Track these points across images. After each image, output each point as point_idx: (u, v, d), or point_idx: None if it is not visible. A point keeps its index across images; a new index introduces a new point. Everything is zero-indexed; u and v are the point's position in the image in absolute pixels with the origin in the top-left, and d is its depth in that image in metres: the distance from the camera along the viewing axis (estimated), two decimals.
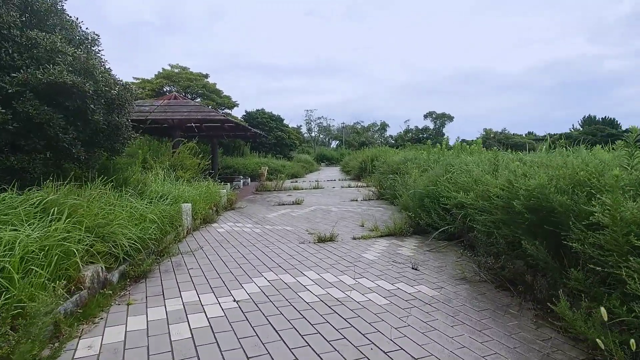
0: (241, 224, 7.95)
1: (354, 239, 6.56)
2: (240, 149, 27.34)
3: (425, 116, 77.61)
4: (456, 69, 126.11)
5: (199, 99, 24.05)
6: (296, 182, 21.45)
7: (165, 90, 22.67)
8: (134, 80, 23.04)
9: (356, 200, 12.08)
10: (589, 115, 68.48)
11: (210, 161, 21.92)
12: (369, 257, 5.43)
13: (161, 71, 23.52)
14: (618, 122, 61.32)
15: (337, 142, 73.18)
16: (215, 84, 24.81)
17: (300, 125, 69.03)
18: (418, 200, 7.08)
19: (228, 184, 14.99)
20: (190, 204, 6.81)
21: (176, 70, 23.58)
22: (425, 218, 6.57)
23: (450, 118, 76.19)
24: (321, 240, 6.34)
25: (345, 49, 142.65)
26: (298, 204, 11.28)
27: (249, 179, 20.07)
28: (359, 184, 18.36)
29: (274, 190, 16.02)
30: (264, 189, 15.90)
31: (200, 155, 11.14)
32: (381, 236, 6.75)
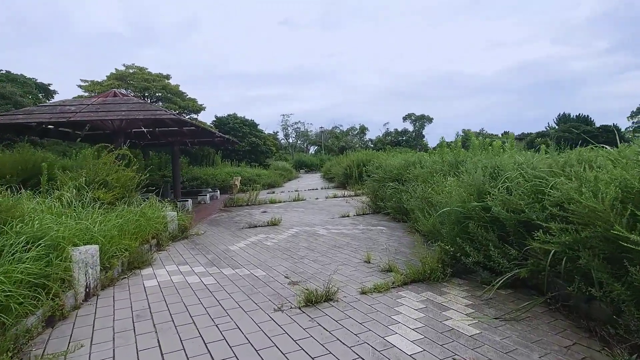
0: (188, 267, 5.32)
1: (364, 293, 4.06)
2: (209, 157, 24.52)
3: (405, 118, 76.41)
4: (430, 73, 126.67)
5: (160, 103, 21.17)
6: (273, 192, 18.85)
7: None
8: (81, 83, 19.97)
9: (348, 216, 9.61)
10: (564, 113, 68.87)
11: (163, 173, 19.31)
12: (404, 346, 2.94)
13: (114, 72, 20.53)
14: (592, 119, 61.68)
15: (316, 147, 70.85)
16: (178, 85, 22.03)
17: (277, 132, 66.34)
18: (454, 224, 4.67)
19: (189, 200, 12.25)
20: (95, 247, 4.16)
21: (131, 71, 20.63)
22: (474, 253, 4.15)
23: (430, 120, 75.28)
24: (311, 301, 3.81)
25: (321, 56, 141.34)
26: (274, 224, 8.72)
27: (218, 192, 17.33)
28: (346, 193, 15.94)
29: (247, 204, 13.39)
30: (235, 204, 13.24)
31: (155, 165, 8.46)
32: (404, 283, 4.29)
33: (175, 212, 7.56)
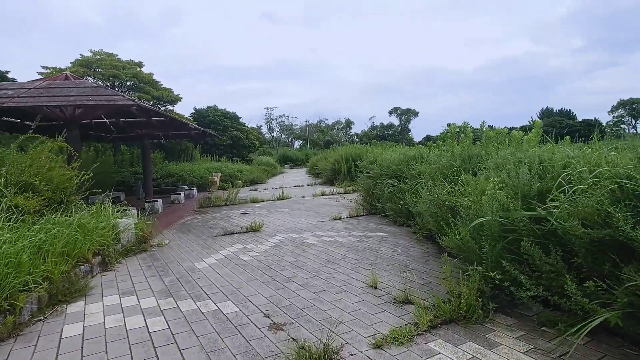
0: (134, 299, 3.97)
1: (379, 347, 2.80)
2: (187, 152, 22.90)
3: (390, 112, 75.63)
4: (413, 70, 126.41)
5: (131, 93, 19.43)
6: (256, 189, 17.47)
7: None
8: (42, 70, 18.07)
9: (340, 219, 8.36)
10: (547, 107, 69.17)
11: (134, 170, 17.51)
12: None
13: (79, 58, 18.68)
14: (574, 114, 62.10)
15: (301, 141, 69.39)
16: (151, 74, 20.27)
17: (261, 126, 64.61)
18: (495, 240, 3.44)
19: (158, 200, 10.79)
20: None
21: (98, 57, 18.80)
22: (530, 284, 2.94)
23: (415, 113, 74.66)
24: None
25: (305, 51, 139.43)
26: (255, 230, 7.40)
27: (195, 190, 15.85)
28: (335, 190, 14.69)
29: (225, 204, 11.99)
30: (212, 204, 11.83)
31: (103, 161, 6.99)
32: (433, 326, 3.05)
33: (132, 219, 6.15)
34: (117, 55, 19.65)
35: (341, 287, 4.03)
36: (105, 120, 11.58)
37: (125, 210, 6.54)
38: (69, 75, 9.12)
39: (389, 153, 10.27)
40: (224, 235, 7.13)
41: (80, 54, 18.99)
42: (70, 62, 18.60)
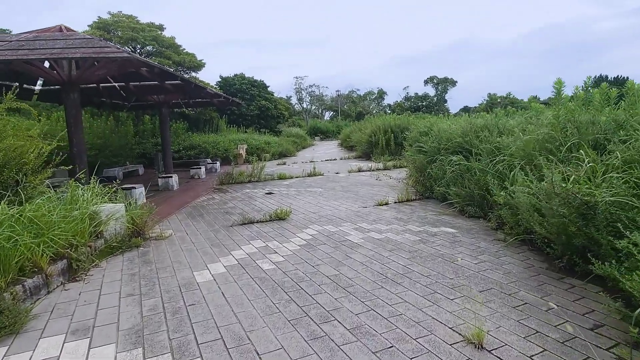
0: (80, 349, 2.50)
1: None
2: (212, 123, 21.59)
3: (426, 82, 71.51)
4: (448, 39, 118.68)
5: (151, 58, 18.03)
6: (284, 163, 15.97)
7: None
8: None
9: (387, 204, 6.66)
10: (600, 75, 62.96)
11: (156, 141, 16.00)
12: None
13: (96, 20, 17.35)
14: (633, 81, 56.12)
15: (332, 113, 67.11)
16: (173, 37, 18.74)
17: (290, 96, 62.64)
18: None
19: (172, 177, 9.44)
20: None
21: (116, 20, 17.39)
22: None
23: (453, 83, 70.24)
24: None
25: (336, 20, 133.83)
26: (281, 218, 5.84)
27: (218, 164, 14.51)
28: (372, 165, 12.90)
29: (249, 181, 10.54)
30: (233, 180, 10.40)
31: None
32: None
33: (121, 205, 4.70)
34: (136, 17, 18.19)
35: (419, 344, 2.39)
36: (114, 84, 10.21)
37: (116, 190, 5.09)
38: (63, 27, 7.67)
39: (446, 123, 8.30)
40: (242, 224, 5.62)
41: (98, 17, 17.67)
42: (88, 26, 17.33)
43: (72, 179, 4.38)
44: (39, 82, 9.83)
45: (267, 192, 8.59)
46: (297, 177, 11.10)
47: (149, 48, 17.40)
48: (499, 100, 67.07)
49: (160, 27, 18.83)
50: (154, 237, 4.99)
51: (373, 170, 12.10)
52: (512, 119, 6.69)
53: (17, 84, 9.25)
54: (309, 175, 11.33)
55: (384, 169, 12.29)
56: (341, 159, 17.08)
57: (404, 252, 4.09)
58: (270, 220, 5.77)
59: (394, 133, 15.89)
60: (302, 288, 3.26)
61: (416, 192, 7.31)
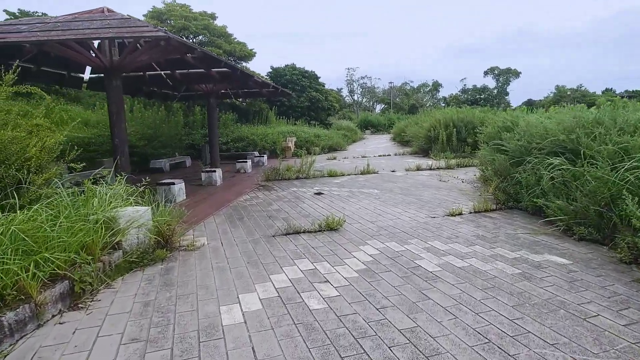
0: None
1: None
2: (262, 114, 21.10)
3: (486, 73, 67.05)
4: (509, 28, 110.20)
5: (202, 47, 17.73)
6: (335, 158, 15.00)
7: None
8: None
9: (461, 215, 5.45)
10: None
11: (205, 132, 15.42)
12: None
13: (151, 10, 17.37)
14: None
15: (383, 106, 65.01)
16: (224, 26, 18.37)
17: (341, 88, 61.43)
18: None
19: (216, 171, 8.82)
20: None
21: (170, 8, 17.28)
22: None
23: (517, 74, 65.22)
24: None
25: (392, 12, 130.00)
26: (333, 228, 4.87)
27: (265, 157, 13.85)
28: (432, 163, 11.53)
29: (296, 177, 9.70)
30: (280, 176, 9.62)
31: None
32: None
33: (146, 208, 3.97)
34: (189, 6, 17.99)
35: None
36: (160, 72, 9.76)
37: (143, 188, 4.38)
38: (106, 9, 7.18)
39: (535, 117, 6.83)
40: (287, 234, 4.72)
41: (153, 6, 17.68)
42: (143, 15, 17.39)
43: (89, 177, 3.70)
44: (88, 69, 9.60)
45: (316, 192, 7.66)
46: (348, 175, 10.09)
47: (201, 37, 17.10)
48: (568, 92, 61.34)
49: (212, 16, 18.51)
50: (184, 246, 4.24)
51: (434, 169, 10.78)
52: (634, 114, 5.18)
53: (66, 72, 9.05)
54: (362, 172, 10.27)
55: (446, 168, 10.91)
56: (395, 155, 15.80)
57: (504, 293, 2.95)
58: (319, 231, 4.83)
59: (456, 128, 14.33)
60: (365, 351, 2.27)
61: (495, 200, 6.01)
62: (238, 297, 3.00)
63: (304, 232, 4.79)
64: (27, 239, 2.58)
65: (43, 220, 2.82)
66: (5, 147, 2.95)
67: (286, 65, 26.20)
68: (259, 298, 2.98)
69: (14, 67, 3.21)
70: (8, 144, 2.99)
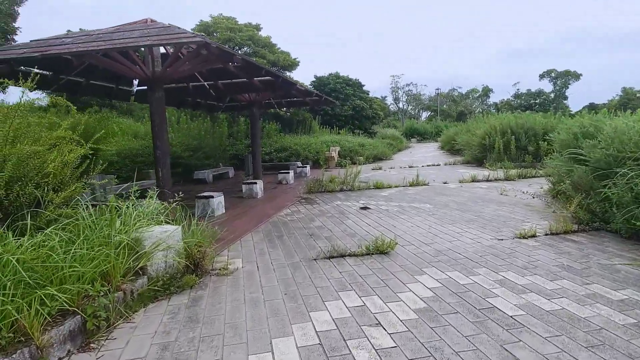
0: None
1: None
2: (305, 123, 20.87)
3: (542, 76, 63.15)
4: (565, 28, 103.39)
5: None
6: (380, 168, 14.30)
7: None
8: None
9: (534, 236, 4.61)
10: None
11: (249, 143, 15.06)
12: None
13: (198, 23, 17.78)
14: None
15: (429, 113, 63.05)
16: (269, 37, 18.40)
17: (385, 96, 60.45)
18: None
19: (256, 183, 8.49)
20: None
21: (216, 21, 17.59)
22: None
23: (577, 76, 60.80)
24: None
25: (438, 18, 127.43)
26: (382, 251, 4.24)
27: (308, 167, 13.45)
28: (489, 173, 10.50)
29: (340, 189, 9.16)
30: (323, 188, 9.12)
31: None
32: None
33: (175, 227, 3.59)
34: (235, 18, 18.24)
35: None
36: (203, 83, 9.68)
37: (176, 204, 4.03)
38: (149, 20, 7.12)
39: (624, 120, 5.81)
40: (330, 258, 4.17)
41: (200, 20, 18.10)
42: (191, 29, 17.83)
43: (113, 194, 3.38)
44: (135, 82, 9.73)
45: (362, 206, 7.07)
46: (396, 187, 9.39)
47: (246, 49, 17.20)
48: (638, 95, 56.13)
49: (257, 27, 18.63)
50: (217, 270, 3.82)
51: (491, 181, 9.80)
52: None
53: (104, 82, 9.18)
54: (411, 184, 9.52)
55: (506, 180, 9.88)
56: (446, 165, 14.81)
57: (622, 356, 2.20)
58: (367, 254, 4.23)
59: (514, 135, 13.13)
60: None
61: (576, 219, 5.09)
62: (271, 343, 2.49)
63: (349, 255, 4.22)
64: (31, 270, 2.23)
65: (54, 245, 2.48)
66: (22, 162, 2.69)
67: (330, 74, 25.92)
68: (296, 346, 2.44)
69: (32, 75, 2.96)
70: (26, 159, 2.72)
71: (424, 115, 65.08)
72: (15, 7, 14.90)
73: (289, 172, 11.02)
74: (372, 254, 4.24)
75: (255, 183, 8.49)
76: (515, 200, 7.00)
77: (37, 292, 2.20)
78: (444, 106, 59.71)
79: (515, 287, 3.21)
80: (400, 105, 61.37)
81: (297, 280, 3.56)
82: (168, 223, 3.77)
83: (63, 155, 2.93)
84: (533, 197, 7.16)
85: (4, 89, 14.99)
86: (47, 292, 2.27)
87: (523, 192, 7.77)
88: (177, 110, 15.56)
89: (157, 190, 4.26)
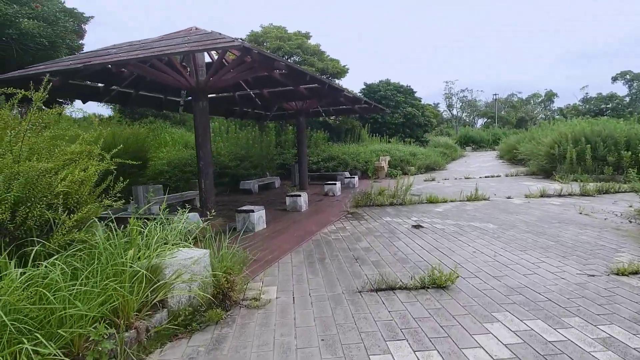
0: None
1: None
2: (354, 132, 20.32)
3: (614, 79, 57.54)
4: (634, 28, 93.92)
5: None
6: (433, 179, 13.37)
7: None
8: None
9: (637, 273, 3.68)
10: None
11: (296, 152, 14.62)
12: None
13: (249, 34, 17.98)
14: None
15: (485, 120, 59.81)
16: (318, 45, 18.16)
17: (438, 103, 58.26)
18: None
19: (300, 196, 8.08)
20: None
21: (266, 31, 17.67)
22: None
23: None
24: None
25: (493, 21, 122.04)
26: (440, 285, 3.55)
27: (356, 178, 12.85)
28: (559, 187, 9.24)
29: (390, 203, 8.48)
30: (371, 202, 8.50)
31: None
32: None
33: (202, 251, 3.19)
34: (284, 27, 18.22)
35: None
36: (249, 91, 9.50)
37: (206, 220, 3.64)
38: (194, 28, 7.01)
39: None
40: (377, 290, 3.57)
41: (251, 30, 18.30)
42: (241, 39, 18.08)
43: (135, 212, 3.05)
44: (183, 92, 9.77)
45: (415, 224, 6.36)
46: (452, 202, 8.53)
47: (295, 57, 17.07)
48: None
49: (306, 36, 18.47)
50: (247, 300, 3.36)
51: (564, 196, 8.61)
52: None
53: (158, 95, 9.26)
54: (469, 199, 8.61)
55: (582, 195, 8.63)
56: (507, 176, 13.52)
57: None
58: (422, 288, 3.57)
59: (590, 143, 11.64)
60: None
61: None
62: None
63: (400, 288, 3.59)
64: (20, 312, 1.89)
65: (56, 279, 2.14)
66: (31, 182, 2.41)
67: (380, 81, 25.21)
68: None
69: (43, 83, 2.71)
70: (37, 178, 2.44)
71: (480, 122, 61.91)
72: (83, 25, 15.90)
73: (335, 184, 10.51)
74: (428, 287, 3.58)
75: (300, 196, 8.06)
76: (600, 222, 5.93)
77: (18, 346, 1.84)
78: (502, 112, 56.35)
79: (628, 351, 2.41)
80: (454, 112, 58.85)
81: (337, 320, 3.01)
82: (198, 243, 3.39)
83: (75, 173, 2.63)
84: (623, 219, 6.04)
85: (72, 102, 16.06)
86: (38, 335, 1.91)
87: (608, 212, 6.62)
88: (226, 119, 15.72)
89: (188, 208, 3.92)
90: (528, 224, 6.06)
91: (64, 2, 14.18)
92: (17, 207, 2.37)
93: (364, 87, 25.50)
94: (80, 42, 15.59)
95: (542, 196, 8.71)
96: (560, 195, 8.66)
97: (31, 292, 2.02)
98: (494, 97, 55.94)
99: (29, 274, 2.11)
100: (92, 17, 15.75)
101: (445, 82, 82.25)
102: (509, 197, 8.79)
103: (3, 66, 9.73)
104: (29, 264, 2.32)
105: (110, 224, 3.02)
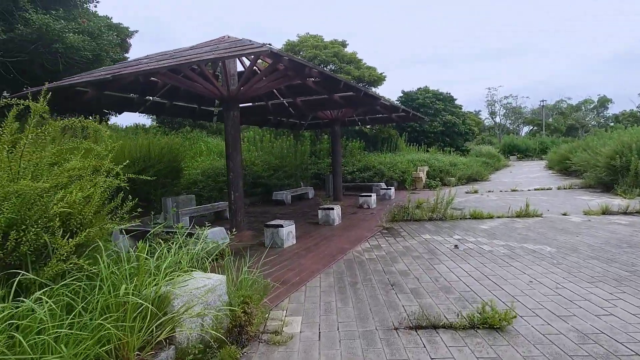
0: None
1: None
2: (391, 141, 19.69)
3: None
4: None
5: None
6: (476, 191, 12.53)
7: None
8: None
9: None
10: None
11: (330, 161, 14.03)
12: None
13: (285, 43, 17.95)
14: None
15: (531, 127, 56.77)
16: (355, 52, 17.79)
17: (479, 110, 56.08)
18: None
19: (333, 209, 7.67)
20: None
21: (302, 40, 17.57)
22: None
23: None
24: None
25: (539, 25, 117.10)
26: (492, 325, 3.00)
27: (393, 189, 12.26)
28: (623, 203, 8.21)
29: (429, 218, 7.88)
30: (409, 216, 7.94)
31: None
32: None
33: (222, 278, 2.86)
34: (321, 36, 18.05)
35: None
36: (282, 100, 9.26)
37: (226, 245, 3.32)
38: (227, 36, 6.85)
39: None
40: (417, 329, 3.07)
41: (287, 39, 18.28)
42: (269, 44, 18.09)
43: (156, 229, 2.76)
44: (216, 102, 9.70)
45: (456, 243, 5.75)
46: (499, 218, 7.79)
47: (331, 66, 16.81)
48: None
49: (343, 44, 18.19)
50: (268, 334, 2.98)
51: (633, 214, 7.63)
52: None
53: (193, 104, 9.22)
54: (519, 215, 7.83)
55: None
56: (559, 189, 12.42)
57: None
58: (471, 328, 3.03)
59: None
60: None
61: None
62: None
63: (444, 326, 3.07)
64: None
65: (40, 318, 1.86)
66: (27, 203, 2.17)
67: (418, 89, 24.45)
68: None
69: (42, 92, 2.49)
70: (36, 198, 2.20)
71: (525, 129, 58.90)
72: (128, 39, 16.50)
73: (370, 196, 10.00)
74: (479, 327, 3.03)
75: (332, 209, 7.65)
76: None
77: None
78: (550, 119, 53.29)
79: None
80: (497, 119, 56.39)
81: None
82: (223, 257, 3.06)
83: (74, 193, 2.37)
84: None
85: (119, 113, 16.68)
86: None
87: None
88: (261, 129, 15.66)
89: (208, 226, 3.61)
90: (592, 247, 5.29)
91: (111, 17, 14.74)
92: (9, 230, 2.14)
93: (402, 94, 24.84)
94: (125, 55, 16.18)
95: (604, 213, 7.77)
96: (626, 213, 7.69)
97: (5, 336, 1.74)
98: (541, 104, 53.03)
99: (8, 312, 1.84)
100: (136, 31, 16.31)
101: (487, 88, 79.30)
102: (564, 214, 7.91)
103: (52, 79, 10.13)
104: (22, 296, 2.07)
105: (130, 239, 2.74)
